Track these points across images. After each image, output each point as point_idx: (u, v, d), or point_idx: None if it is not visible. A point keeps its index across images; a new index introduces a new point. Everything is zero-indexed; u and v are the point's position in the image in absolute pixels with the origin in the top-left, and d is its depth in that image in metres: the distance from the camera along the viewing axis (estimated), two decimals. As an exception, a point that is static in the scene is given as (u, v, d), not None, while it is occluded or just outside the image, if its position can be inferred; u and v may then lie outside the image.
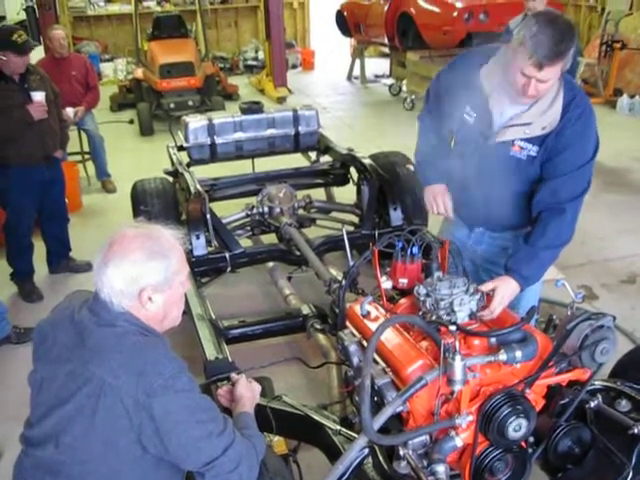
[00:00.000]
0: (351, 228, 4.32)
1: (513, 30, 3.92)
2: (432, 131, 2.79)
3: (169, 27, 9.80)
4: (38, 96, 4.13)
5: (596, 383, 2.22)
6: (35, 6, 10.25)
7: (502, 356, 1.93)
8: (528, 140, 2.42)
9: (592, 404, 2.11)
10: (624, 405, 2.16)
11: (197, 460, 1.66)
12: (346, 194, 4.92)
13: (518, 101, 2.38)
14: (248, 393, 2.06)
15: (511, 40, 2.29)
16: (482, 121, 2.49)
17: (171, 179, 4.58)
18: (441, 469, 1.87)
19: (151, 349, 1.69)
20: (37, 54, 4.35)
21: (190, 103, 8.75)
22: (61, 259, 4.84)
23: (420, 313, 2.22)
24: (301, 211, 4.45)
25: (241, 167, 5.06)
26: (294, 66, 13.78)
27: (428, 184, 2.83)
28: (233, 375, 2.19)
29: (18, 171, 4.17)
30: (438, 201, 2.77)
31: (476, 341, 2.05)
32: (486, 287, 2.27)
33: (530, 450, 2.05)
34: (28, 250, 4.49)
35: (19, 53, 4.02)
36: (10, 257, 4.49)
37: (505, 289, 2.30)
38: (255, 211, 4.34)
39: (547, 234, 2.39)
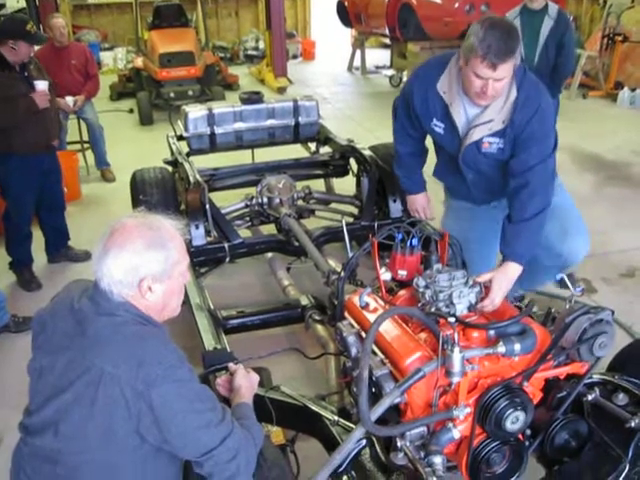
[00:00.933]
0: (350, 219, 4.31)
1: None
2: (406, 145, 3.02)
3: (169, 16, 9.76)
4: (42, 85, 4.12)
5: (594, 377, 2.23)
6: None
7: (501, 348, 1.94)
8: (493, 135, 2.59)
9: (590, 397, 2.12)
10: (621, 399, 2.17)
11: (195, 449, 1.67)
12: (346, 185, 4.91)
13: (476, 104, 2.55)
14: (247, 383, 2.05)
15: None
16: (450, 130, 2.69)
17: (170, 169, 4.55)
18: (438, 460, 1.88)
19: (151, 339, 1.69)
20: (36, 43, 4.34)
21: (190, 93, 8.71)
22: (60, 248, 4.83)
23: (419, 305, 2.23)
24: (300, 202, 4.43)
25: (241, 157, 5.05)
26: (294, 56, 13.73)
27: (409, 194, 3.21)
28: (231, 365, 2.18)
29: (20, 160, 4.16)
30: (419, 211, 3.18)
31: (475, 333, 2.05)
32: (483, 278, 2.29)
33: (527, 443, 2.06)
34: (27, 239, 4.48)
35: (31, 43, 4.04)
36: (9, 246, 4.47)
37: (501, 278, 2.34)
38: (254, 201, 4.32)
39: (525, 204, 2.53)
